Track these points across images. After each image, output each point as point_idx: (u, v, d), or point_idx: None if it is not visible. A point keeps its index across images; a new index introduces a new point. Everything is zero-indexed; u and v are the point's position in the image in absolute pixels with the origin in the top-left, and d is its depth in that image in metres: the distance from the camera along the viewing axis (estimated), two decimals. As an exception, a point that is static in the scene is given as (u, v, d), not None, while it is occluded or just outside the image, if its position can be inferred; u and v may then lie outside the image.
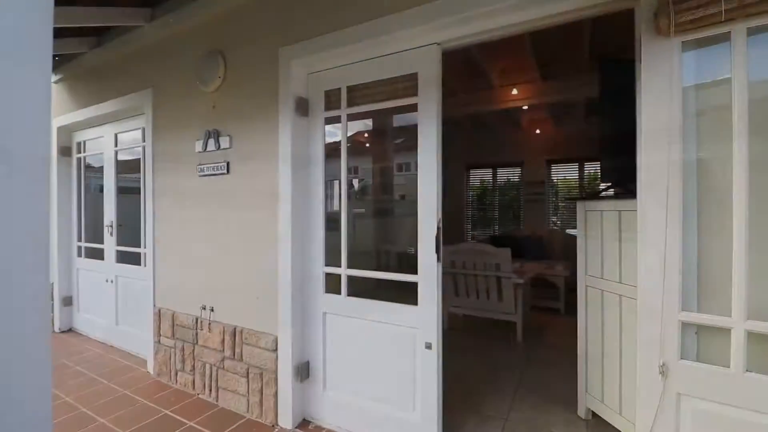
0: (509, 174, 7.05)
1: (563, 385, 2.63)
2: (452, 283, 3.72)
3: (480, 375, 2.88)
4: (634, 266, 1.82)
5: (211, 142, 2.69)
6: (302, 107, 2.30)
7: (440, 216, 1.91)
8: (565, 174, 6.62)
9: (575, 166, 6.47)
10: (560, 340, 3.55)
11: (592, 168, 6.38)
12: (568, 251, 6.17)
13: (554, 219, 6.76)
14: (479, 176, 7.33)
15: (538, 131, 6.51)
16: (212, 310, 2.69)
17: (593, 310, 2.17)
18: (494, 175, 7.17)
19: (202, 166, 2.75)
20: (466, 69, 4.13)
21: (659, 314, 1.31)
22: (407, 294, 1.99)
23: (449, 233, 6.65)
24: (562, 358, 3.10)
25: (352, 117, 2.25)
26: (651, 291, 1.34)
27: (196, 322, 2.78)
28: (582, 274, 2.27)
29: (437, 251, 1.88)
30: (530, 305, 4.25)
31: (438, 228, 1.89)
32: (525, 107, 4.79)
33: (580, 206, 2.25)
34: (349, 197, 2.28)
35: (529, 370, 2.94)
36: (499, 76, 4.20)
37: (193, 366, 2.81)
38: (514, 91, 4.14)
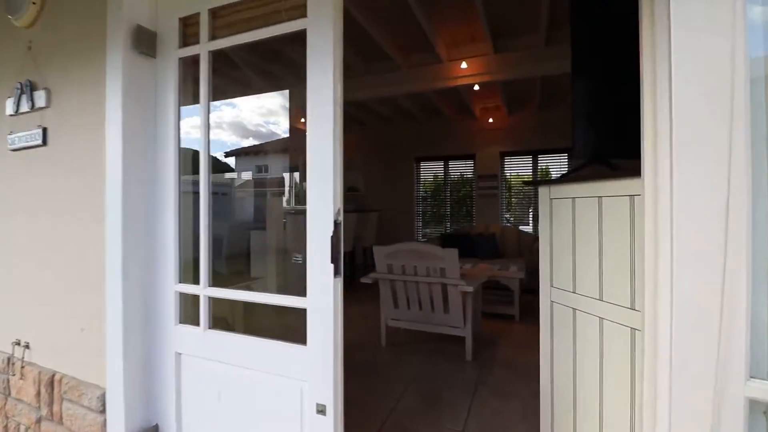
0: (461, 167, 6.56)
1: (522, 426, 2.05)
2: (390, 291, 3.06)
3: (414, 413, 2.23)
4: (624, 279, 1.24)
5: (24, 99, 1.82)
6: (145, 42, 1.51)
7: (341, 207, 1.22)
8: (518, 167, 6.22)
9: (529, 158, 6.09)
10: (517, 356, 3.01)
11: (547, 161, 6.03)
12: (522, 249, 5.78)
13: (507, 216, 6.36)
14: (430, 170, 6.78)
15: (491, 120, 6.05)
16: (27, 346, 1.83)
17: (562, 335, 1.58)
18: (446, 168, 6.65)
19: (13, 137, 1.87)
20: (410, 39, 3.50)
21: (704, 380, 0.70)
22: (299, 326, 1.29)
23: (398, 232, 6.01)
24: (519, 383, 2.55)
25: (218, 57, 1.49)
26: (688, 337, 0.73)
27: (8, 363, 1.89)
28: (546, 285, 1.68)
29: (335, 261, 1.19)
30: (482, 312, 3.70)
31: (336, 225, 1.19)
32: (476, 87, 4.25)
33: (543, 193, 1.66)
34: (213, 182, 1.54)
35: (479, 404, 2.34)
36: (446, 47, 3.61)
37: (6, 427, 1.93)
38: (464, 65, 3.56)
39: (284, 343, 1.29)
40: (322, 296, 1.20)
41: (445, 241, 5.94)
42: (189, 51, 1.49)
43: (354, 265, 6.22)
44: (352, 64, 3.87)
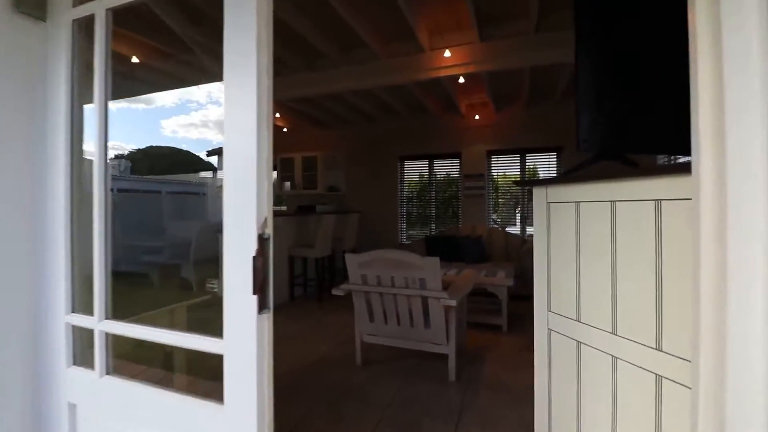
0: (447, 166, 6.28)
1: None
2: (365, 304, 2.74)
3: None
4: (647, 309, 0.94)
5: None
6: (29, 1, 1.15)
7: (268, 216, 0.90)
8: (505, 166, 5.97)
9: (516, 157, 5.85)
10: (506, 375, 2.73)
11: (535, 160, 5.79)
12: (509, 252, 5.53)
13: (494, 217, 6.10)
14: (415, 169, 6.48)
15: (477, 117, 5.78)
16: None
17: (563, 371, 1.29)
18: (430, 167, 6.36)
19: None
20: (389, 26, 3.18)
21: None
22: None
23: (381, 233, 5.69)
24: (508, 408, 2.26)
25: (121, 18, 1.15)
26: None
27: None
28: (542, 309, 1.39)
29: (260, 292, 0.86)
30: (467, 322, 3.41)
31: (262, 241, 0.86)
32: (461, 79, 3.97)
33: (539, 195, 1.36)
34: (112, 179, 1.18)
35: (463, 434, 2.04)
36: (429, 34, 3.30)
37: None
38: (447, 54, 3.26)
39: (197, 400, 0.95)
40: (242, 339, 0.87)
41: (430, 243, 5.66)
42: (84, 10, 1.14)
43: (333, 269, 5.88)
44: (327, 53, 3.54)
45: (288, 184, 6.80)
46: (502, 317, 3.67)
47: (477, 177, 5.93)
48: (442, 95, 5.08)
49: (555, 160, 5.65)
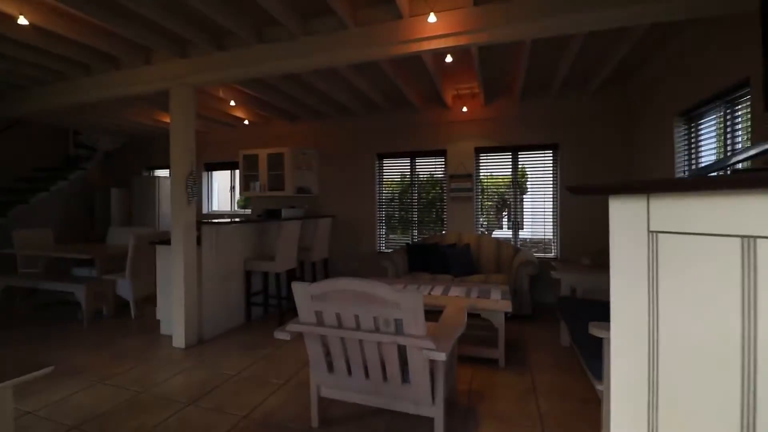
0: (430, 165, 5.61)
1: None
2: (322, 350, 2.01)
3: None
4: None
5: None
6: None
7: None
8: (494, 166, 5.33)
9: (508, 156, 5.22)
10: (507, 440, 2.05)
11: (527, 159, 5.17)
12: (500, 263, 4.90)
13: (483, 221, 5.46)
14: (394, 168, 5.78)
15: (465, 109, 5.13)
16: None
17: None
18: (412, 166, 5.67)
19: None
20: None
21: None
22: None
23: (357, 241, 4.96)
24: None
25: None
26: None
27: None
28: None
29: None
30: (457, 356, 2.73)
31: None
32: (449, 58, 3.30)
33: (627, 215, 0.67)
34: None
35: None
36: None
37: None
38: (432, 19, 2.56)
39: None
40: None
41: (412, 252, 4.97)
42: None
43: None
44: (283, 21, 2.79)
45: (258, 184, 6.00)
46: (498, 349, 3.00)
47: (464, 177, 5.28)
48: (425, 82, 4.40)
49: (551, 158, 5.05)
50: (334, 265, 5.87)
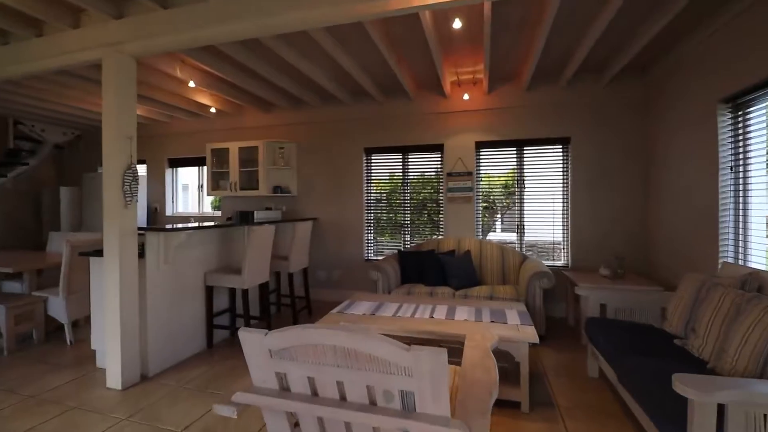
0: (425, 162, 4.98)
1: None
2: (289, 428, 1.33)
3: None
4: None
5: None
6: None
7: None
8: (497, 162, 4.74)
9: (512, 151, 4.63)
10: None
11: (538, 154, 4.59)
12: (506, 273, 4.30)
13: (480, 225, 4.86)
14: (385, 165, 5.13)
15: (466, 97, 4.52)
16: None
17: None
18: (405, 163, 5.03)
19: None
20: None
21: None
22: None
23: (342, 247, 4.21)
24: None
25: None
26: None
27: None
28: None
29: None
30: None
31: None
32: (457, 23, 2.67)
33: None
34: None
35: None
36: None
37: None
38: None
39: None
40: None
41: (405, 260, 4.33)
42: None
43: (266, 304, 4.47)
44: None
45: (228, 183, 5.26)
46: (520, 389, 2.38)
47: (463, 175, 4.67)
48: (422, 62, 3.77)
49: (561, 153, 4.49)
50: (315, 275, 5.18)
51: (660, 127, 3.80)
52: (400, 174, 5.04)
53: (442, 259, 4.21)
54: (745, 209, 2.80)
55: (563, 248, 4.53)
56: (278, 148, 5.19)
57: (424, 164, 4.97)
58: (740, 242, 2.84)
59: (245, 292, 3.36)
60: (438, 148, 4.81)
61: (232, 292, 3.72)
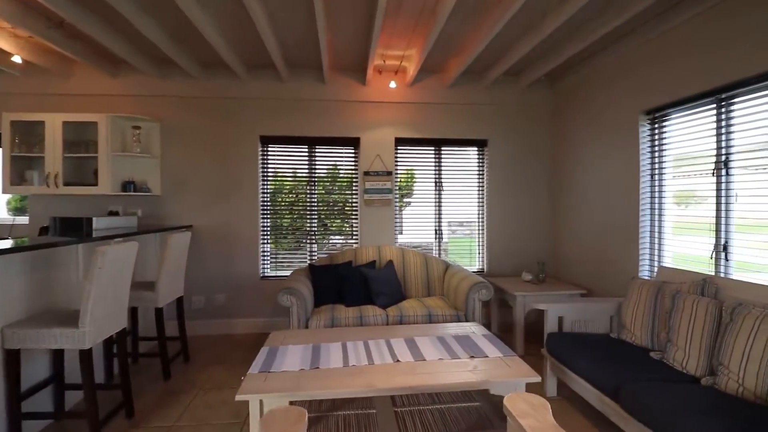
0: (337, 157, 4.24)
1: None
2: None
3: None
4: None
5: None
6: None
7: None
8: (416, 161, 4.34)
9: (431, 150, 4.30)
10: None
11: (455, 155, 4.36)
12: (430, 284, 3.91)
13: (398, 231, 4.40)
14: (286, 158, 4.17)
15: (393, 84, 3.97)
16: None
17: None
18: (312, 157, 4.19)
19: None
20: None
21: None
22: None
23: (228, 264, 3.18)
24: None
25: None
26: None
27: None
28: None
29: None
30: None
31: None
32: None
33: None
34: None
35: None
36: None
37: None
38: None
39: None
40: None
41: (318, 276, 3.53)
42: None
43: (134, 347, 3.16)
44: None
45: (38, 175, 3.49)
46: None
47: (382, 175, 4.12)
48: (354, 32, 3.05)
49: (476, 156, 4.36)
50: (192, 304, 3.88)
51: (576, 135, 3.96)
52: (307, 171, 4.18)
53: (366, 272, 3.57)
54: (660, 213, 3.01)
55: (479, 253, 4.42)
56: (132, 128, 3.69)
57: (336, 160, 4.22)
58: (655, 244, 3.04)
59: (86, 353, 2.05)
60: (353, 142, 4.14)
61: (58, 354, 2.30)
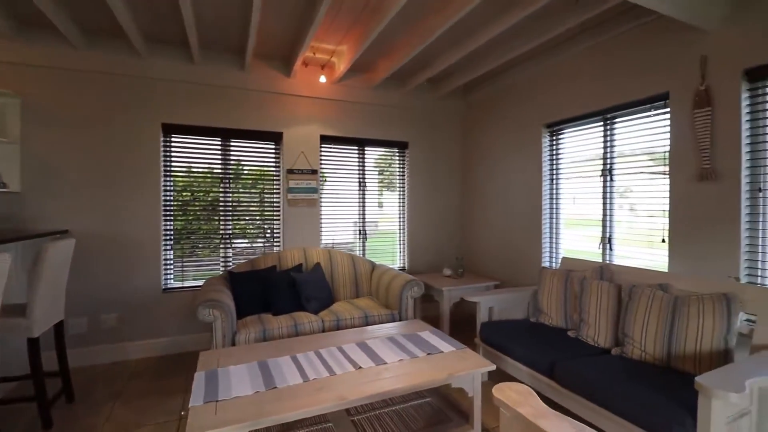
0: (256, 153, 3.87)
1: None
2: None
3: None
4: None
5: None
6: None
7: None
8: (338, 160, 4.25)
9: (354, 150, 4.27)
10: None
11: (377, 155, 4.40)
12: (359, 284, 3.86)
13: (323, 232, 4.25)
14: (195, 151, 3.65)
15: (323, 79, 3.79)
16: None
17: None
18: (226, 151, 3.75)
19: None
20: None
21: None
22: None
23: (124, 274, 2.72)
24: None
25: None
26: None
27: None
28: None
29: None
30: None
31: None
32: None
33: None
34: None
35: None
36: None
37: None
38: None
39: None
40: None
41: (238, 283, 3.20)
42: None
43: None
44: None
45: None
46: (472, 428, 2.04)
47: (307, 173, 3.92)
48: (292, 14, 2.82)
49: (398, 157, 4.49)
50: (70, 329, 3.11)
51: (486, 142, 4.36)
52: (220, 166, 3.72)
53: (295, 277, 3.36)
54: (557, 211, 3.54)
55: (400, 251, 4.55)
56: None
57: (255, 156, 3.85)
58: (554, 238, 3.57)
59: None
60: (275, 137, 3.84)
61: None
